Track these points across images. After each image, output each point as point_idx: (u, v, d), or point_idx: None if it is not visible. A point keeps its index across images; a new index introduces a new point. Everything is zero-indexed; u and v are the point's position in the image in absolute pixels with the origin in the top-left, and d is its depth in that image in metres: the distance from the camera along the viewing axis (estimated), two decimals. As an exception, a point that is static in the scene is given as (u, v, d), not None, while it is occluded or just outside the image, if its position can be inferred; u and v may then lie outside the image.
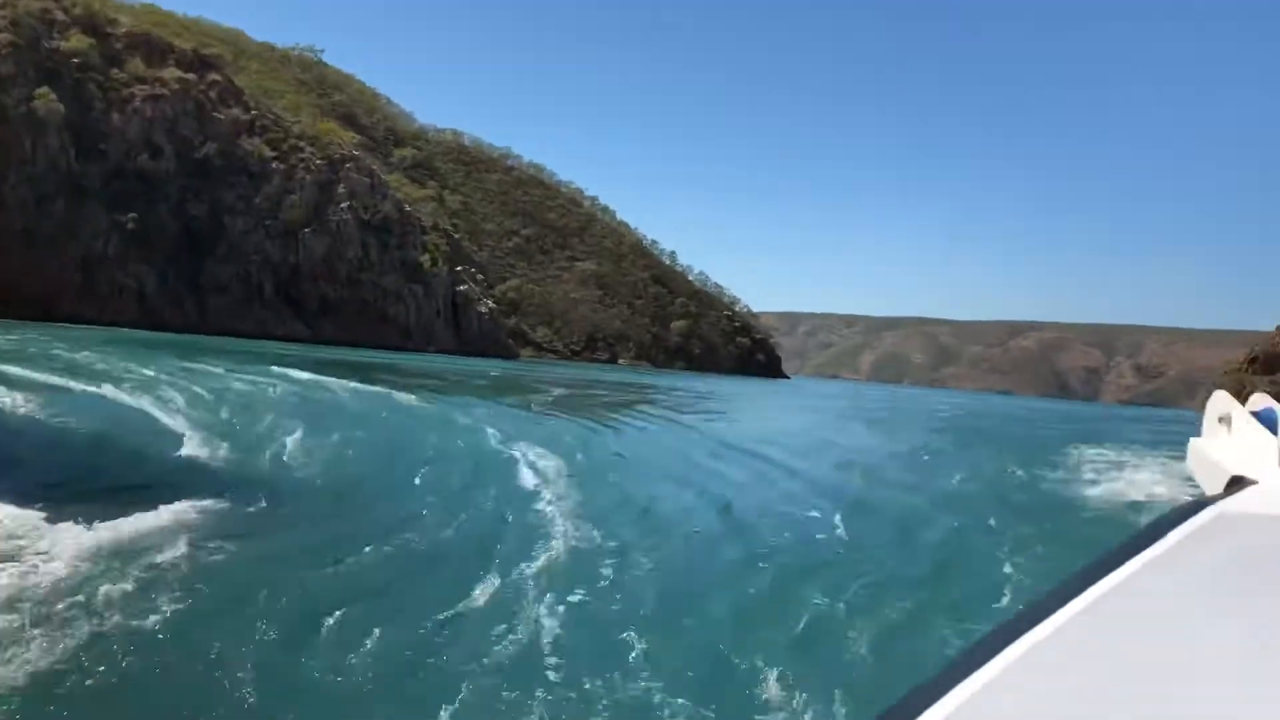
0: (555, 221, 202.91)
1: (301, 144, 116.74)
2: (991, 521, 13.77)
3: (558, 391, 42.72)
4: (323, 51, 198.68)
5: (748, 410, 45.00)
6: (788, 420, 40.44)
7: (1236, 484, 1.97)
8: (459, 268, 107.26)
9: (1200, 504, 1.71)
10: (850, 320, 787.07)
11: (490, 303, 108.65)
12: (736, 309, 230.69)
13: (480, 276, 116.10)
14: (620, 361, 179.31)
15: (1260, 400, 2.44)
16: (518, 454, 18.13)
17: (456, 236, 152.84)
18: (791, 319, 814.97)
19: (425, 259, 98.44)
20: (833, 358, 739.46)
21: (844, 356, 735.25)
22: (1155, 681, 0.90)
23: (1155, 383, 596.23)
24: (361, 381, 33.15)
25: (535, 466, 16.84)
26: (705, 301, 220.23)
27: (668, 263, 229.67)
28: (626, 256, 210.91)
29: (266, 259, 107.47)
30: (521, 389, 43.47)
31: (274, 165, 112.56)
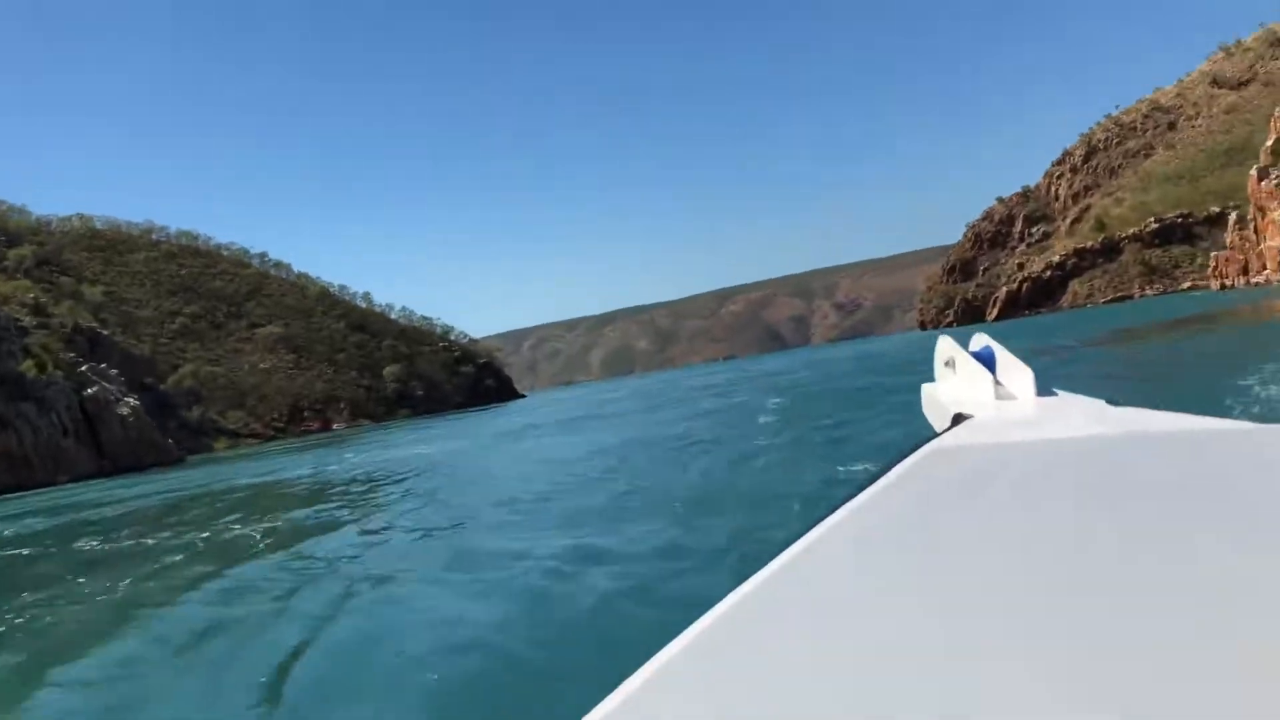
0: (222, 290, 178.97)
1: None
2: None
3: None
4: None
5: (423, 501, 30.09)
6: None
7: (958, 420, 2.08)
8: (84, 367, 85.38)
9: (921, 443, 1.82)
10: (571, 324, 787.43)
11: (132, 401, 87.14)
12: (452, 338, 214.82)
13: (117, 373, 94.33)
14: (335, 426, 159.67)
15: (979, 340, 2.48)
16: None
17: (106, 333, 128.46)
18: (516, 336, 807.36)
19: (29, 366, 76.61)
20: (563, 365, 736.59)
21: (574, 361, 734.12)
22: (852, 616, 0.95)
23: (855, 316, 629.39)
24: None
25: None
26: (416, 338, 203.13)
27: (364, 306, 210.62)
28: (315, 310, 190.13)
29: None
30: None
31: None
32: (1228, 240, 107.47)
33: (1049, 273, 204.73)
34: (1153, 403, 2.00)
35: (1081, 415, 1.99)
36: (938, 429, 2.17)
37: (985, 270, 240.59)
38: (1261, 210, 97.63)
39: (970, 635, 0.82)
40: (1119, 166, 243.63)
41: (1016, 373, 2.26)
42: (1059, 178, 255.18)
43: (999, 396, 2.21)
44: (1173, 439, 1.70)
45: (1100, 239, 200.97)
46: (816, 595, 1.02)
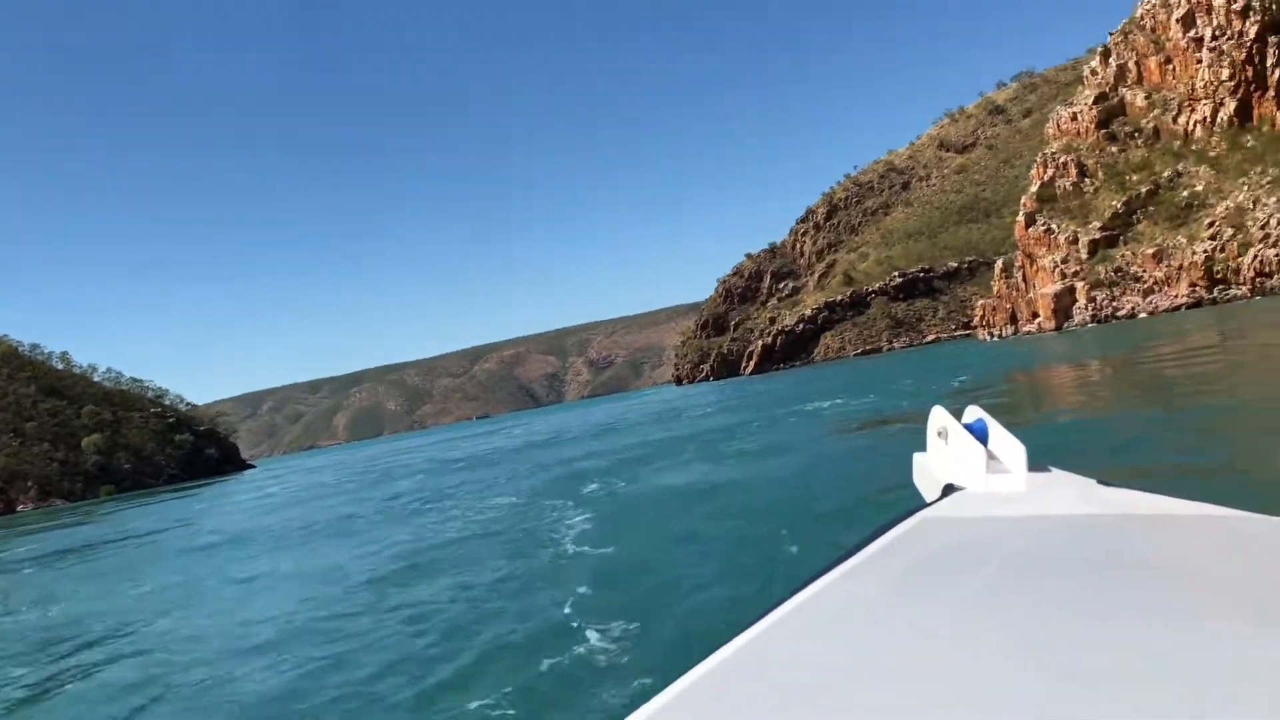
0: None
1: None
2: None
3: None
4: None
5: None
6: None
7: (949, 492, 2.10)
8: None
9: (910, 512, 1.85)
10: (315, 385, 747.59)
11: None
12: (167, 402, 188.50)
13: None
14: (21, 508, 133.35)
15: (973, 413, 2.41)
16: None
17: None
18: (253, 399, 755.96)
19: None
20: (306, 428, 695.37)
21: (317, 424, 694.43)
22: (835, 683, 0.95)
23: (607, 372, 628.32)
24: None
25: None
26: (123, 403, 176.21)
27: (60, 367, 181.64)
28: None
29: None
30: None
31: None
32: (994, 289, 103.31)
33: (801, 326, 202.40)
34: (1144, 484, 2.03)
35: (1071, 493, 1.99)
36: (928, 499, 2.17)
37: (737, 325, 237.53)
38: (1030, 257, 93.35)
39: (947, 715, 0.81)
40: (860, 224, 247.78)
41: (1009, 446, 2.20)
42: (804, 234, 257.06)
43: (990, 470, 2.14)
44: (1158, 522, 1.72)
45: (849, 292, 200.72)
46: (798, 664, 1.03)
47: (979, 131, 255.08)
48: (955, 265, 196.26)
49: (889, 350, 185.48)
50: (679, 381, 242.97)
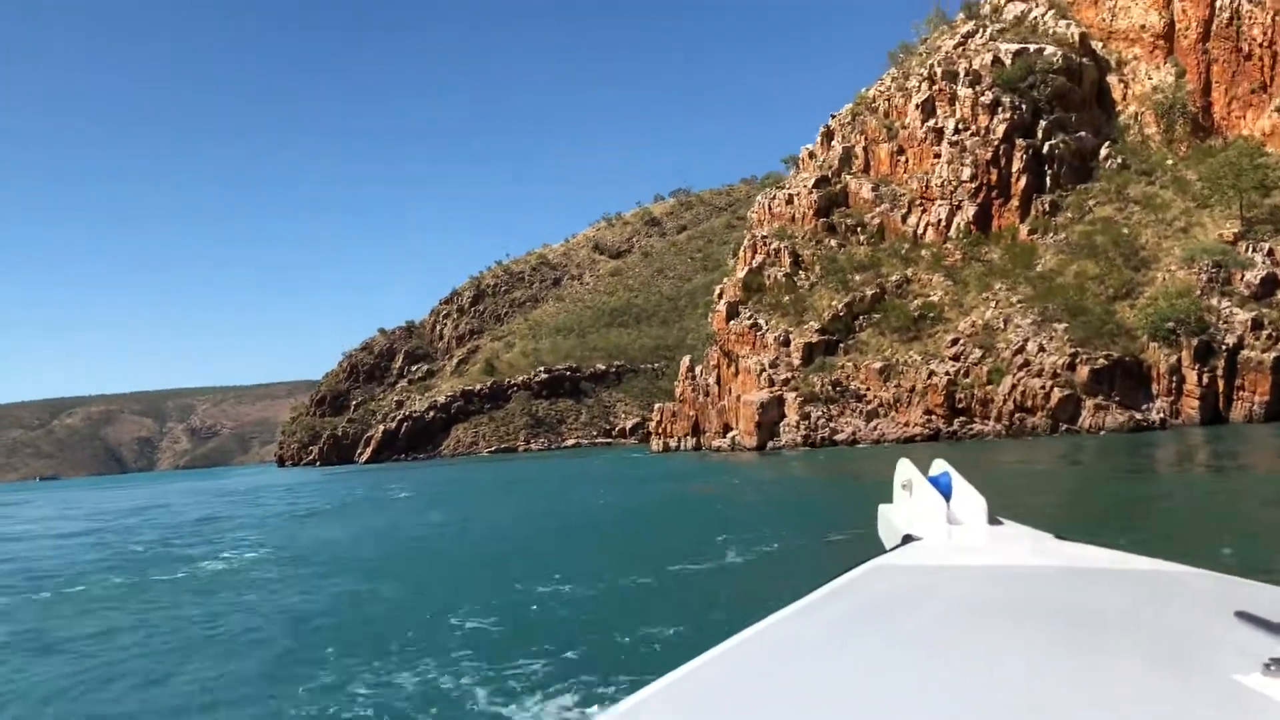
0: None
1: None
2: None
3: None
4: None
5: None
6: None
7: (907, 541, 2.11)
8: None
9: (868, 560, 1.87)
10: None
11: None
12: None
13: None
14: None
15: (939, 466, 2.49)
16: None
17: None
18: None
19: None
20: None
21: None
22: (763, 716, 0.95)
23: (210, 442, 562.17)
24: None
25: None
26: None
27: None
28: None
29: None
30: None
31: None
32: (678, 390, 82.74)
33: (432, 413, 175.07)
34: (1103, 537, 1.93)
35: (1025, 545, 2.02)
36: (889, 548, 2.16)
37: (358, 405, 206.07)
38: (729, 356, 73.54)
39: None
40: (506, 313, 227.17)
41: (970, 500, 2.23)
42: (446, 316, 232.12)
43: (951, 521, 2.18)
44: (1107, 575, 1.74)
45: (490, 382, 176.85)
46: (724, 705, 1.03)
47: (634, 240, 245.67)
48: (604, 368, 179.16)
49: (525, 450, 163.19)
50: (281, 462, 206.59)
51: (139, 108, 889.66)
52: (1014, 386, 58.89)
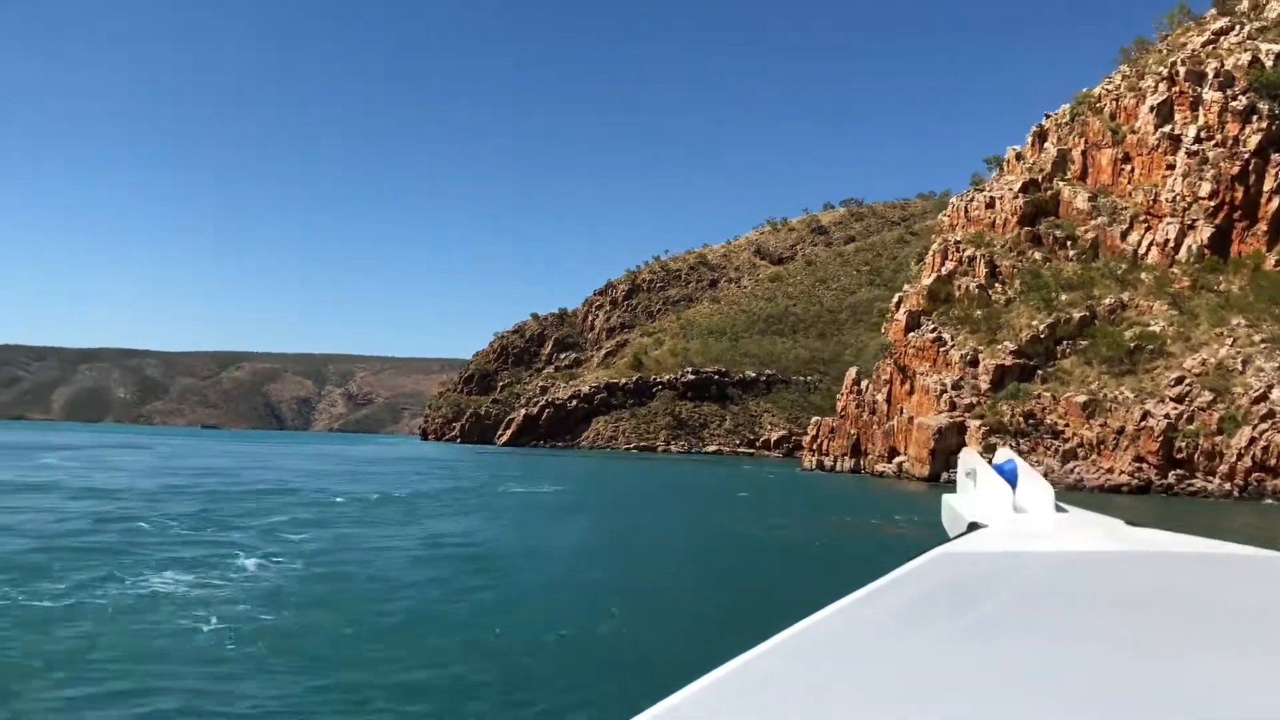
0: None
1: None
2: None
3: None
4: None
5: None
6: None
7: (972, 529, 2.11)
8: None
9: (934, 548, 1.85)
10: (40, 353, 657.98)
11: None
12: None
13: None
14: None
15: (1003, 454, 2.49)
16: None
17: None
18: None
19: None
20: (18, 396, 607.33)
21: (34, 394, 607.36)
22: (827, 703, 0.94)
23: (365, 409, 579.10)
24: None
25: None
26: None
27: None
28: None
29: None
30: None
31: None
32: (839, 405, 74.92)
33: (574, 402, 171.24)
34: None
35: (1094, 531, 2.01)
36: (952, 537, 2.17)
37: (504, 387, 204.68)
38: (905, 372, 65.36)
39: None
40: (660, 310, 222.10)
41: (1036, 488, 2.24)
42: (599, 307, 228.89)
43: (1017, 510, 2.18)
44: (1182, 559, 1.72)
45: (635, 378, 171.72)
46: (789, 688, 1.02)
47: (798, 247, 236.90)
48: (753, 375, 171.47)
49: (664, 451, 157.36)
50: (425, 436, 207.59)
51: (346, 101, 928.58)
52: (1253, 440, 49.09)
